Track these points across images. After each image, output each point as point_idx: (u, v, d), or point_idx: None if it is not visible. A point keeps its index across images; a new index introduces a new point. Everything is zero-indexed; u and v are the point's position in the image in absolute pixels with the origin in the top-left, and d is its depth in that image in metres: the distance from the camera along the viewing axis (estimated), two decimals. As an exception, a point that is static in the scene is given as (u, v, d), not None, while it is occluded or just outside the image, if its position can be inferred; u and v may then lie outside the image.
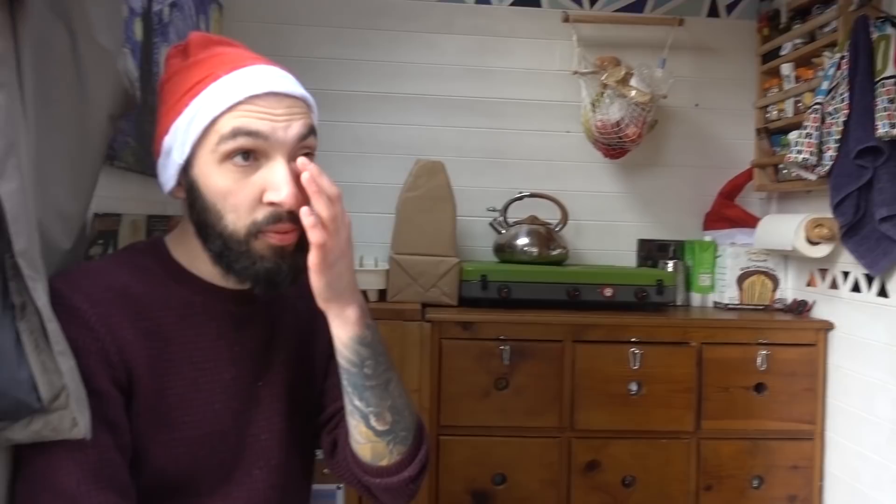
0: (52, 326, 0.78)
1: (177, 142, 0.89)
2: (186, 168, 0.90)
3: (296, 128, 0.88)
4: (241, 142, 0.85)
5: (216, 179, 0.87)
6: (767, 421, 2.09)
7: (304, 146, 0.90)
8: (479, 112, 2.57)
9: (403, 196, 2.26)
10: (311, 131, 0.91)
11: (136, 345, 0.87)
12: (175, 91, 0.91)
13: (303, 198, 0.86)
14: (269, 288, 0.91)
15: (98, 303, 0.86)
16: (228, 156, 0.86)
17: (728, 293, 2.41)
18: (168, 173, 0.92)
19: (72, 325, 0.82)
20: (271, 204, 0.87)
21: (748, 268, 2.40)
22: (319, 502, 1.22)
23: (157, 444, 0.88)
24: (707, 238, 2.52)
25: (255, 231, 0.87)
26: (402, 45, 2.55)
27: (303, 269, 0.89)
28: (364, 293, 2.13)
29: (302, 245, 0.89)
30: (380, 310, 2.06)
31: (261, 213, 0.87)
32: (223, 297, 0.95)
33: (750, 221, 2.47)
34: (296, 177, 0.87)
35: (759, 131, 2.53)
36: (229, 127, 0.86)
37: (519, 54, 2.58)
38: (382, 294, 2.22)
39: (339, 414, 1.04)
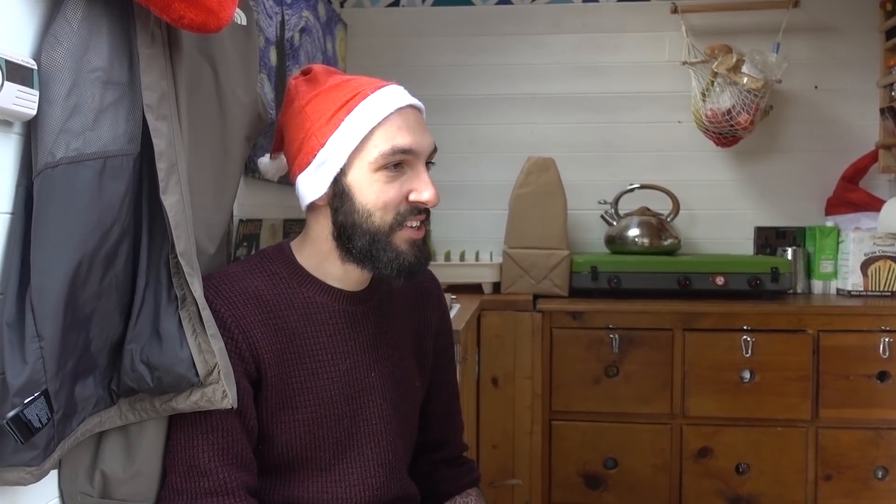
0: (206, 314, 0.95)
1: (334, 152, 1.04)
2: (339, 175, 1.04)
3: (430, 139, 1.07)
4: (399, 157, 1.03)
5: (370, 183, 1.03)
6: (892, 410, 2.03)
7: (432, 155, 1.08)
8: (589, 107, 2.63)
9: (515, 193, 2.37)
10: (435, 146, 1.09)
11: (266, 341, 1.03)
12: (322, 110, 1.05)
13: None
14: (409, 278, 1.07)
15: (235, 305, 1.03)
16: (384, 166, 1.03)
17: (851, 280, 2.34)
18: (319, 182, 1.06)
19: None
20: (415, 202, 1.04)
21: (873, 253, 2.32)
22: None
23: (282, 424, 1.05)
24: (829, 223, 2.46)
25: (398, 223, 1.04)
26: (513, 47, 2.65)
27: (430, 257, 1.09)
28: (479, 285, 2.30)
29: (425, 238, 1.09)
30: (493, 301, 2.20)
31: (403, 207, 1.04)
32: (340, 298, 1.10)
33: (875, 205, 2.38)
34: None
35: (883, 111, 2.42)
36: (389, 144, 1.02)
37: (627, 49, 2.61)
38: (496, 286, 2.34)
39: (426, 418, 1.23)
